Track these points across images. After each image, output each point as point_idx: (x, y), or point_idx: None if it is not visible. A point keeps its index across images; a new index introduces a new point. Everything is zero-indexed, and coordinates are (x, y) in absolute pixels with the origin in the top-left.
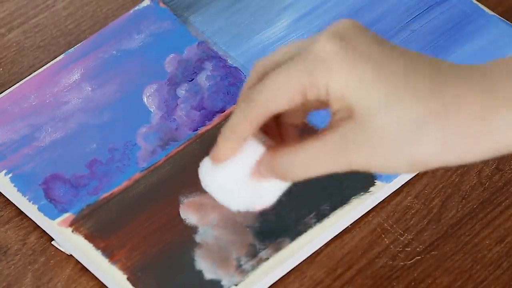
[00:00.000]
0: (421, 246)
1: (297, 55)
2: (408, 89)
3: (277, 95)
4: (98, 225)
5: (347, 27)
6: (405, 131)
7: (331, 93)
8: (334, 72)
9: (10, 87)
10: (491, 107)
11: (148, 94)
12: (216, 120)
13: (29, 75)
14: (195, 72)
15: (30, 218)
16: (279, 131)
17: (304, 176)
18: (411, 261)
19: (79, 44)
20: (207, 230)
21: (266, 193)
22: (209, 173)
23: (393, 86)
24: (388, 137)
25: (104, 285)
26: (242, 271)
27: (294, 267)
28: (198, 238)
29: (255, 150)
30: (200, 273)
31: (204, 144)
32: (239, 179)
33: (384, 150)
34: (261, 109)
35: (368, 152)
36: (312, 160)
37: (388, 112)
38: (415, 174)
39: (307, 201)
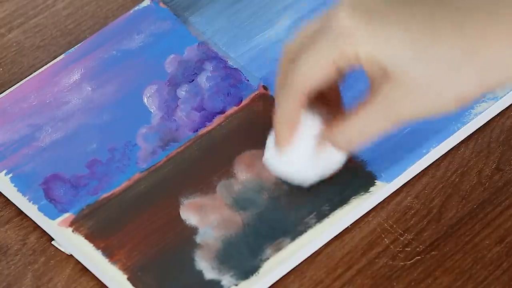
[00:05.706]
0: (421, 246)
1: (322, 34)
2: (433, 36)
3: (312, 73)
4: (98, 225)
5: None
6: (442, 74)
7: (361, 59)
8: (359, 41)
9: (10, 87)
10: None
11: (148, 95)
12: (216, 121)
13: (29, 75)
14: (195, 73)
15: (30, 218)
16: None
17: (361, 141)
18: (411, 261)
19: (79, 44)
20: (207, 231)
21: (333, 156)
22: (278, 159)
23: (417, 36)
24: (427, 84)
25: (104, 285)
26: (242, 271)
27: (294, 267)
28: (198, 239)
29: (311, 124)
30: (200, 273)
31: (204, 145)
32: (306, 154)
33: (427, 97)
34: (301, 89)
35: (413, 103)
36: (366, 124)
37: (419, 62)
38: (415, 174)
39: (307, 201)
